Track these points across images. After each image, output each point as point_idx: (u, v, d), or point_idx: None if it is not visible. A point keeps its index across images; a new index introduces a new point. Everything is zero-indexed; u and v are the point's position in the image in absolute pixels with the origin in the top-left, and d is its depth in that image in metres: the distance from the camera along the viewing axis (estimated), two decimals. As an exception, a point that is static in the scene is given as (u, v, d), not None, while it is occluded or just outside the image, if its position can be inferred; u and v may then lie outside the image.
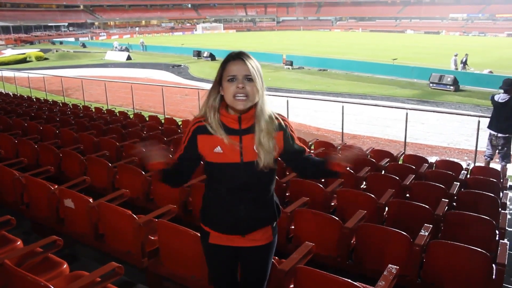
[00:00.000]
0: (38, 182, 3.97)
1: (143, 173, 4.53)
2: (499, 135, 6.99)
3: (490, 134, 7.16)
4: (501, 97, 6.83)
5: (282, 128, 2.08)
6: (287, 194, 4.68)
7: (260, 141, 2.00)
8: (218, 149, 2.02)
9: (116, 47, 43.95)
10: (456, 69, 24.20)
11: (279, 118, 2.09)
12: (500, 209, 4.28)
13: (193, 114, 2.15)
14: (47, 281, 2.23)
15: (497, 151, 7.17)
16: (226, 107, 2.05)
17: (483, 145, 7.71)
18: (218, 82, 2.02)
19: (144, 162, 2.07)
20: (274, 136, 2.04)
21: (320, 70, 27.97)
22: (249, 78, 1.96)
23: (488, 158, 7.29)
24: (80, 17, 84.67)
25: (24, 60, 37.28)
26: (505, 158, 7.07)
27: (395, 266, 2.48)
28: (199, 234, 2.69)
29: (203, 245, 2.27)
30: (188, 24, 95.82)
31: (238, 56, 1.98)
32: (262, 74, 2.02)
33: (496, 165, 7.32)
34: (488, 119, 7.27)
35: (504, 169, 6.98)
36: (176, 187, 2.31)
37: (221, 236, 2.15)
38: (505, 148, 7.03)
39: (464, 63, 24.49)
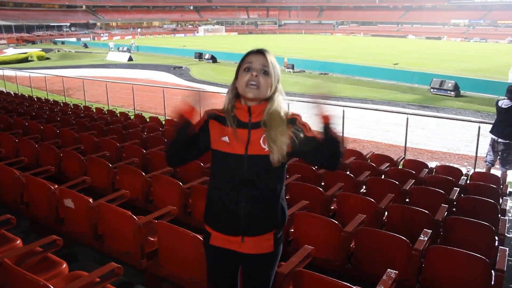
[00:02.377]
0: (38, 181, 3.97)
1: (143, 174, 4.54)
2: (500, 140, 7.01)
3: (492, 139, 7.18)
4: (504, 103, 6.86)
5: (291, 121, 2.03)
6: (287, 197, 4.68)
7: (272, 136, 1.98)
8: (225, 138, 2.04)
9: (111, 48, 44.08)
10: None
11: (291, 114, 2.07)
12: (499, 215, 4.28)
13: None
14: (46, 280, 2.23)
15: (498, 157, 7.18)
16: (240, 100, 2.09)
17: (483, 151, 7.71)
18: (236, 76, 2.06)
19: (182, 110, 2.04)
20: (285, 131, 2.00)
21: (321, 74, 27.99)
22: (265, 71, 1.99)
23: (489, 164, 7.29)
24: (82, 17, 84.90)
25: (25, 60, 37.34)
26: (505, 165, 7.08)
27: (394, 271, 2.48)
28: (198, 236, 2.71)
29: (204, 247, 2.24)
30: (190, 26, 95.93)
31: (259, 50, 2.03)
32: (279, 73, 2.06)
33: (496, 171, 7.33)
34: (490, 125, 7.29)
35: (504, 175, 6.98)
36: (173, 163, 2.26)
37: (221, 237, 2.11)
38: (505, 154, 7.04)
39: None
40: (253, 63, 2.00)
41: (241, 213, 2.04)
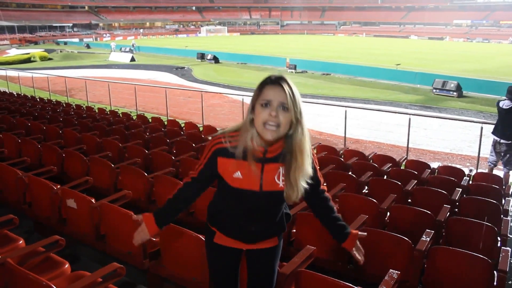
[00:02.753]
0: (41, 181, 3.98)
1: (145, 174, 4.54)
2: (502, 141, 7.01)
3: (494, 140, 7.17)
4: (505, 103, 6.85)
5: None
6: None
7: (292, 179, 1.93)
8: (237, 174, 1.95)
9: (113, 48, 44.26)
10: None
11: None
12: (502, 215, 4.27)
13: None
14: (49, 280, 2.23)
15: (500, 158, 7.18)
16: (255, 136, 1.94)
17: (486, 151, 7.71)
18: (252, 106, 1.92)
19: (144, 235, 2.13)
20: (307, 174, 1.97)
21: (324, 74, 27.97)
22: (285, 107, 1.84)
23: (492, 165, 7.29)
24: (85, 18, 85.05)
25: (28, 60, 37.50)
26: (507, 165, 7.07)
27: (396, 271, 2.48)
28: (200, 236, 2.71)
29: (206, 244, 2.25)
30: (192, 27, 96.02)
31: (277, 81, 1.87)
32: (301, 103, 1.89)
33: (499, 171, 7.31)
34: (492, 125, 7.28)
35: (506, 175, 6.97)
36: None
37: (227, 238, 2.15)
38: (508, 155, 7.03)
39: None
40: (271, 99, 1.85)
41: (252, 230, 2.10)
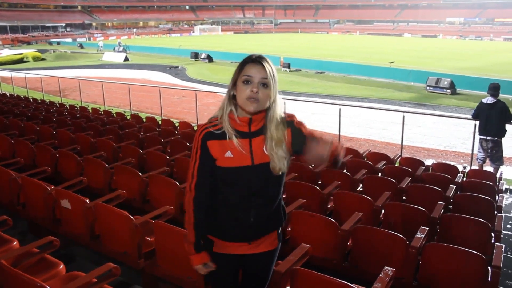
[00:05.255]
0: (35, 182, 3.96)
1: (140, 174, 4.53)
2: (488, 138, 7.12)
3: (480, 138, 7.28)
4: (488, 99, 7.06)
5: (289, 125, 2.05)
6: (284, 196, 4.67)
7: (272, 148, 2.00)
8: (228, 153, 2.01)
9: (101, 47, 44.11)
10: None
11: (286, 117, 2.07)
12: (495, 212, 4.30)
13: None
14: (43, 281, 2.23)
15: (487, 155, 7.28)
16: (236, 110, 2.04)
17: (480, 148, 7.78)
18: (233, 83, 2.02)
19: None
20: (284, 138, 2.03)
21: (318, 72, 28.00)
22: (265, 84, 1.96)
23: (481, 161, 7.40)
24: (78, 17, 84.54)
25: (21, 60, 37.24)
26: (496, 161, 7.19)
27: (391, 268, 2.49)
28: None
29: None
30: (185, 26, 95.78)
31: (257, 60, 1.98)
32: (277, 79, 2.01)
33: (490, 168, 7.38)
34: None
35: (495, 171, 7.05)
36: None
37: (227, 244, 2.14)
38: (494, 151, 7.16)
39: None
40: (252, 76, 1.96)
41: (250, 223, 2.08)
